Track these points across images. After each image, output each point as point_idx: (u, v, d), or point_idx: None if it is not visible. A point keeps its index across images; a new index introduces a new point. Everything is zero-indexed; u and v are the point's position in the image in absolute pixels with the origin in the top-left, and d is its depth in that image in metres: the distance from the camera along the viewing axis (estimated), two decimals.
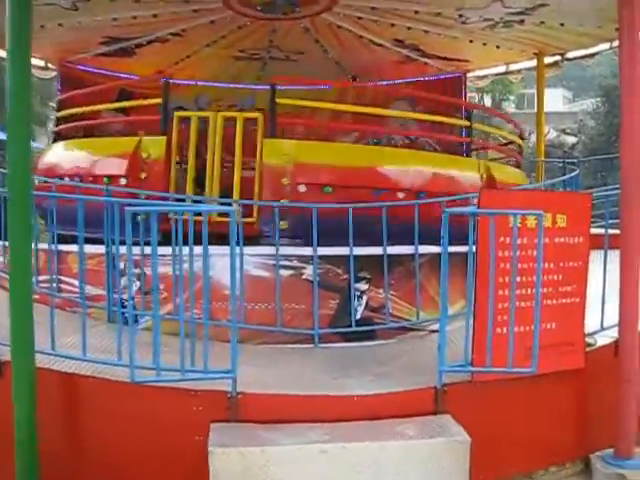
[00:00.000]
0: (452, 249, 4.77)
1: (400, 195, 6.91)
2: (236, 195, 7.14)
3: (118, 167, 7.53)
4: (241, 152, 7.27)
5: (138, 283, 6.04)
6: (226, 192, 7.23)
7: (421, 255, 6.30)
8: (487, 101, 31.25)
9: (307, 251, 6.09)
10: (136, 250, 5.30)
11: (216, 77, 12.32)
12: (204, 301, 4.59)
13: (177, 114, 7.65)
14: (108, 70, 12.03)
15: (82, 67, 11.84)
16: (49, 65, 11.96)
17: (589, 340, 5.38)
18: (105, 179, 7.39)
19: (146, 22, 9.60)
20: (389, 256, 6.17)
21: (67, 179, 7.91)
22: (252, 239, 6.34)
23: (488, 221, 4.64)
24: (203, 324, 4.54)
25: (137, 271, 5.97)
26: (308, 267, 6.14)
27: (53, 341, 4.72)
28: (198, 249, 4.52)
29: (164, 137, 7.53)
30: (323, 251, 6.05)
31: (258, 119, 7.35)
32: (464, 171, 7.76)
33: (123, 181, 7.39)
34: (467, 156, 8.46)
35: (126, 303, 6.08)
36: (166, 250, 4.74)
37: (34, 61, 11.73)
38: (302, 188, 6.83)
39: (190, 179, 7.44)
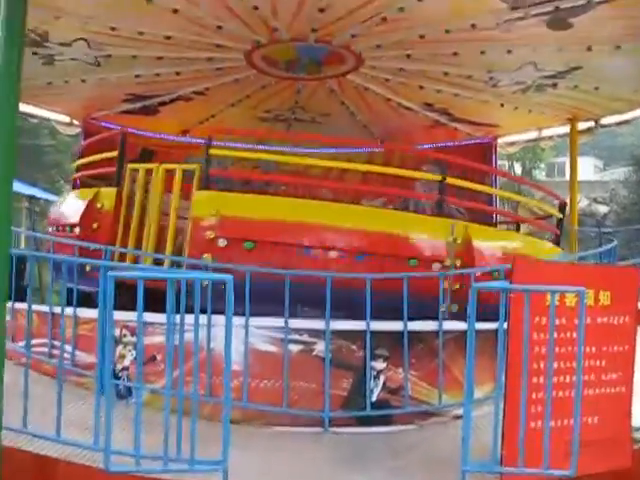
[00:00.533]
0: (480, 326, 4.20)
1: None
2: (169, 248, 7.21)
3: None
4: (178, 203, 7.39)
5: (133, 352, 5.53)
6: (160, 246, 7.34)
7: (445, 332, 5.72)
8: (517, 169, 30.71)
9: (319, 325, 5.53)
10: (130, 316, 4.82)
11: (241, 138, 12.09)
12: (194, 375, 4.05)
13: (129, 166, 7.97)
14: (132, 128, 11.88)
15: (105, 124, 11.70)
16: (74, 121, 11.85)
17: (637, 435, 4.68)
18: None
19: (169, 80, 9.41)
20: (409, 332, 5.59)
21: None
22: None
23: (522, 298, 4.06)
24: (192, 401, 3.97)
25: (132, 339, 5.47)
26: (319, 342, 5.56)
27: (25, 415, 4.21)
28: (190, 317, 4.01)
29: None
30: (337, 325, 5.49)
31: (195, 171, 7.38)
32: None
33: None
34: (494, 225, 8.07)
35: (120, 374, 5.62)
36: (155, 318, 4.24)
37: (59, 117, 11.70)
38: (222, 242, 6.59)
39: (133, 230, 7.64)
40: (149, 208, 7.62)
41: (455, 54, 7.83)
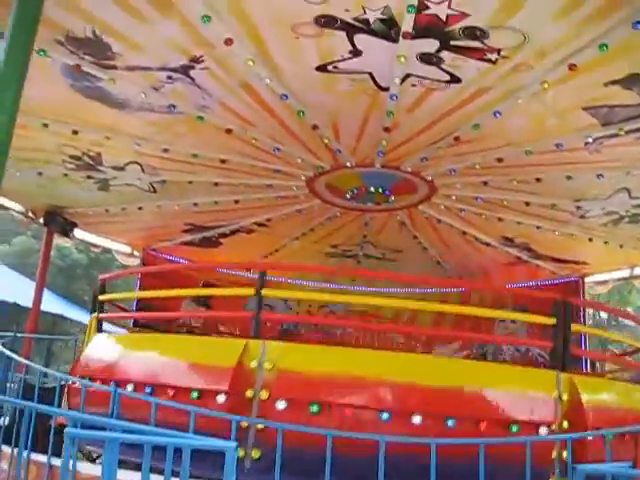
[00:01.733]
0: None
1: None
2: None
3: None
4: None
5: None
6: None
7: None
8: (603, 314, 28.52)
9: None
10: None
11: (308, 275, 11.41)
12: None
13: None
14: (192, 260, 11.43)
15: (165, 255, 11.26)
16: (134, 252, 11.47)
17: None
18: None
19: (229, 209, 8.91)
20: None
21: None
22: None
23: None
24: None
25: None
26: None
27: None
28: None
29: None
30: None
31: None
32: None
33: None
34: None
35: None
36: None
37: (120, 247, 11.35)
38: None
39: None
40: None
41: (538, 180, 7.00)
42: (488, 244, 9.48)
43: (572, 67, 4.75)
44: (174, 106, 5.99)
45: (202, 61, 5.23)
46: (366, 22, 4.50)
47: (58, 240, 10.30)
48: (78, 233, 10.34)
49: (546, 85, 5.04)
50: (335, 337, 11.17)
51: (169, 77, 5.56)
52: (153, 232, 10.46)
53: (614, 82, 4.97)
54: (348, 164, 7.16)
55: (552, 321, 5.31)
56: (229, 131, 6.42)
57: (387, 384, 5.01)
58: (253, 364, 5.07)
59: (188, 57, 5.18)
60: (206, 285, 10.56)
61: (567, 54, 4.64)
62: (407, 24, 4.45)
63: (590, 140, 5.88)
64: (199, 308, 9.63)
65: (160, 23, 4.72)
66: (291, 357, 5.21)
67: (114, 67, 5.40)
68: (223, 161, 7.21)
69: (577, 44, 4.51)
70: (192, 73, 5.46)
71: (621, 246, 8.77)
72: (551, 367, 5.40)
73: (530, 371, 5.76)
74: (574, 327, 5.85)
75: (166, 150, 6.99)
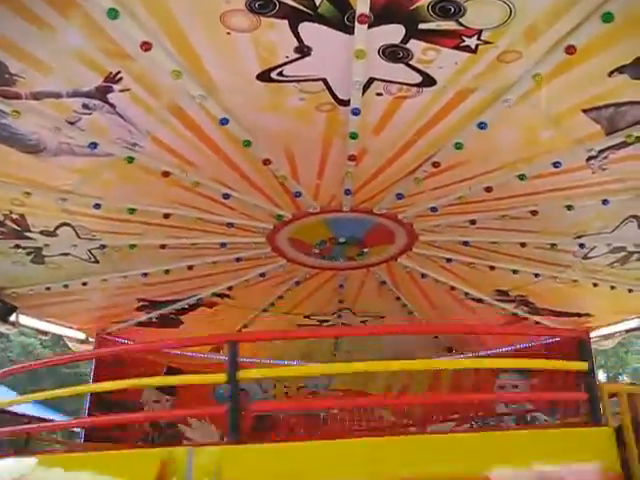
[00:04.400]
0: None
1: None
2: None
3: None
4: None
5: None
6: None
7: None
8: (601, 376, 27.11)
9: None
10: None
11: (282, 354, 10.14)
12: None
13: None
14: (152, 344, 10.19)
15: (122, 340, 10.01)
16: (89, 338, 10.17)
17: None
18: None
19: (182, 278, 7.82)
20: None
21: None
22: None
23: None
24: None
25: None
26: None
27: None
28: None
29: None
30: None
31: None
32: None
33: None
34: None
35: None
36: None
37: (72, 333, 10.05)
38: None
39: None
40: None
41: (533, 214, 6.02)
42: (480, 300, 8.40)
43: (570, 50, 3.82)
44: (95, 144, 4.95)
45: (120, 79, 4.27)
46: (312, 5, 3.58)
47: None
48: (23, 319, 9.15)
49: (539, 79, 4.11)
50: (318, 421, 10.03)
51: (85, 105, 4.57)
52: (104, 312, 9.24)
53: (620, 70, 4.06)
54: (311, 209, 6.15)
55: (583, 366, 4.17)
56: (166, 174, 5.39)
57: None
58: None
59: (103, 75, 4.21)
60: (170, 371, 9.68)
61: (563, 32, 3.73)
62: (363, 3, 3.53)
63: (593, 153, 4.94)
64: (163, 397, 8.65)
65: (64, 30, 3.78)
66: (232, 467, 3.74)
67: (17, 96, 4.40)
68: (166, 216, 6.16)
69: (575, 16, 3.60)
70: (111, 98, 4.48)
71: (630, 290, 7.68)
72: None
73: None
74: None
75: (98, 206, 5.92)
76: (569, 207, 5.83)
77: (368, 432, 9.21)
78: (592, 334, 9.29)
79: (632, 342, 21.91)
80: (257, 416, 10.10)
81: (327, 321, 9.76)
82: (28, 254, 7.02)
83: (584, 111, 4.49)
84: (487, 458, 3.89)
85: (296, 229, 6.59)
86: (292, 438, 8.66)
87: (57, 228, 6.46)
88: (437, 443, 4.25)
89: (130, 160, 5.17)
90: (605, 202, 5.69)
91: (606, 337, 9.51)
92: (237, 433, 3.86)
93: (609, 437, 3.83)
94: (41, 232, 6.52)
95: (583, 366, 4.17)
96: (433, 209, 6.04)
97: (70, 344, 10.41)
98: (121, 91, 4.41)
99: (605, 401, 4.09)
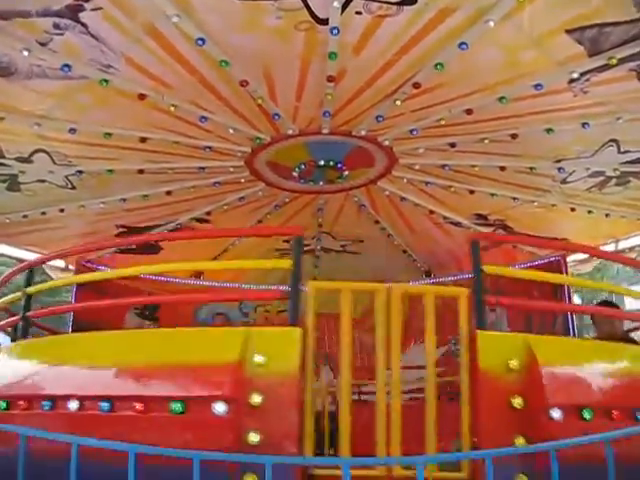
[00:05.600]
0: None
1: None
2: None
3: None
4: None
5: None
6: None
7: None
8: (577, 300, 27.65)
9: None
10: None
11: (261, 278, 10.15)
12: None
13: None
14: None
15: (102, 267, 9.98)
16: (69, 266, 10.13)
17: None
18: None
19: (161, 203, 7.75)
20: None
21: None
22: None
23: None
24: None
25: None
26: None
27: None
28: None
29: None
30: None
31: None
32: None
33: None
34: None
35: None
36: None
37: (53, 262, 10.00)
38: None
39: None
40: None
41: (513, 137, 5.98)
42: (459, 224, 8.43)
43: None
44: (69, 66, 4.81)
45: None
46: None
47: None
48: (1, 248, 9.09)
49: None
50: None
51: (56, 25, 4.42)
52: (83, 240, 9.18)
53: None
54: (290, 132, 6.06)
55: None
56: (142, 97, 5.28)
57: None
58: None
59: None
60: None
61: None
62: None
63: (575, 76, 4.89)
64: (144, 322, 8.66)
65: None
66: None
67: None
68: (143, 140, 6.05)
69: None
70: (83, 17, 4.33)
71: (607, 215, 7.70)
72: None
73: None
74: None
75: (73, 130, 5.79)
76: (549, 130, 5.78)
77: None
78: (569, 258, 9.45)
79: (608, 267, 22.26)
80: None
81: (307, 245, 9.77)
82: (4, 181, 6.90)
83: (567, 32, 4.39)
84: None
85: (275, 152, 6.52)
86: None
87: (32, 154, 6.33)
88: None
89: (105, 82, 5.04)
90: (585, 126, 5.63)
91: (582, 262, 9.56)
92: None
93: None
94: (16, 159, 6.39)
95: None
96: (413, 131, 5.99)
97: (50, 272, 10.39)
98: (93, 10, 4.26)
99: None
